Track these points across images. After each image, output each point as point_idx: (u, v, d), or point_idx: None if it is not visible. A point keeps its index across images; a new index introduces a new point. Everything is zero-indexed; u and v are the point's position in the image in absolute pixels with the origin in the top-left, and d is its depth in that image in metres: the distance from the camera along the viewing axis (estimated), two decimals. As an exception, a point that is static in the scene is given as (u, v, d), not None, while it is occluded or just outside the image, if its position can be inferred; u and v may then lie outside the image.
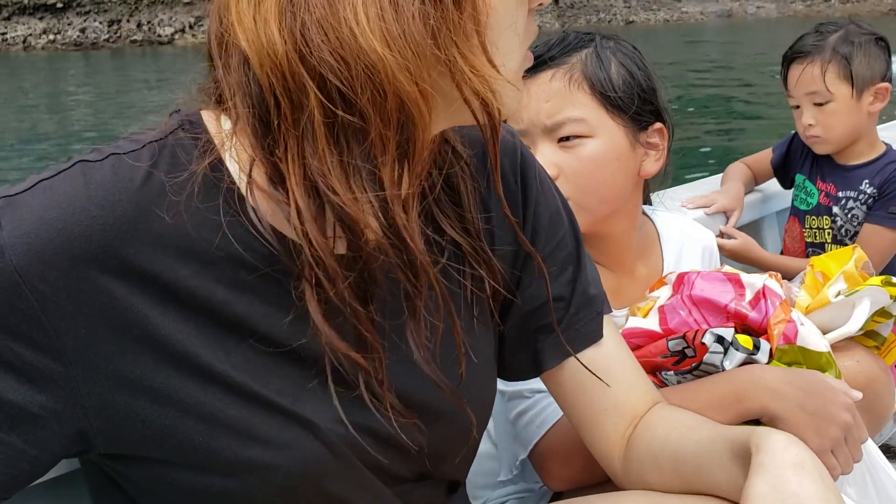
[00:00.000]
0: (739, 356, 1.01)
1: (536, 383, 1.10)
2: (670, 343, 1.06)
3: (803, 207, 2.14)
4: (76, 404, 0.68)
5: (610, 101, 1.20)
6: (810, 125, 2.02)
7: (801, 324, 1.06)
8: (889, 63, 1.99)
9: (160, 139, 0.71)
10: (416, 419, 0.75)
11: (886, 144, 2.09)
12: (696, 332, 1.02)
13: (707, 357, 1.01)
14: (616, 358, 0.91)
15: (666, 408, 0.91)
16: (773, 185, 2.32)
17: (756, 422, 0.98)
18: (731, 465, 0.76)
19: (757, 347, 1.02)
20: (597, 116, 1.20)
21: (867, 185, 2.02)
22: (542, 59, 1.21)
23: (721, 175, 2.33)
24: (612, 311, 0.95)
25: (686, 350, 1.04)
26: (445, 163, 0.79)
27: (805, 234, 2.14)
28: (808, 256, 2.09)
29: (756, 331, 1.06)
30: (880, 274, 1.32)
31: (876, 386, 1.17)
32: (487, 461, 1.35)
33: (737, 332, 1.04)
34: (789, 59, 2.03)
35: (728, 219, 2.13)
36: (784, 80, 2.05)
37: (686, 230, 1.41)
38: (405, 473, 0.81)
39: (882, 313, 1.19)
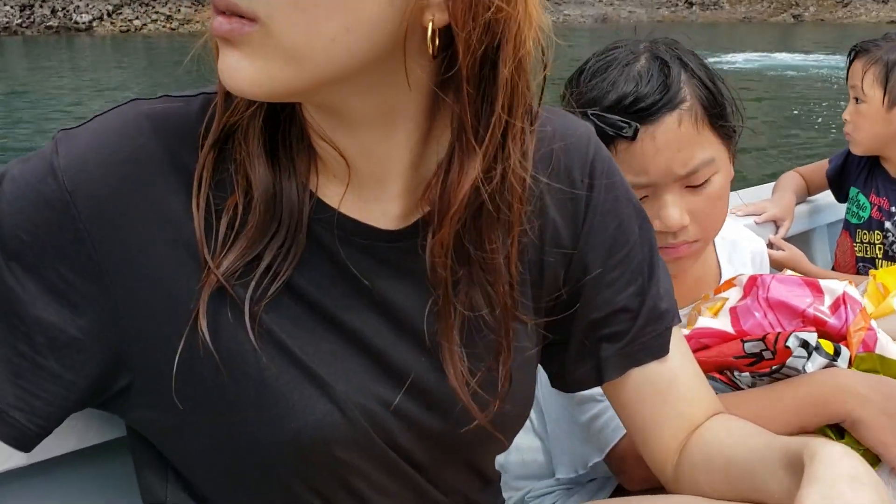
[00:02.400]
0: (821, 361, 1.01)
1: None
2: (747, 345, 1.06)
3: (855, 221, 2.13)
4: (114, 325, 0.70)
5: (723, 129, 1.14)
6: (846, 120, 2.04)
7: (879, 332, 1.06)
8: None
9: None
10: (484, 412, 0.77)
11: None
12: (779, 335, 1.01)
13: (790, 361, 1.00)
14: (681, 370, 0.90)
15: (724, 417, 0.90)
16: (825, 196, 2.30)
17: (836, 426, 0.98)
18: (783, 475, 0.75)
19: (837, 353, 1.02)
20: (719, 150, 1.14)
21: None
22: (664, 103, 1.09)
23: (773, 183, 2.31)
24: (680, 322, 0.92)
25: (764, 352, 1.04)
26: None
27: (856, 249, 2.13)
28: (858, 272, 2.08)
29: (834, 337, 1.06)
30: None
31: None
32: (530, 453, 1.36)
33: (818, 337, 1.03)
34: (854, 51, 2.03)
35: (777, 228, 2.12)
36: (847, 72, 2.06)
37: (736, 235, 1.41)
38: (429, 460, 0.81)
39: None
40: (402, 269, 0.76)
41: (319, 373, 0.73)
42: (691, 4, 33.87)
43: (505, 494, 1.32)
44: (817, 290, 1.10)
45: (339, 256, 0.74)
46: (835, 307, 1.07)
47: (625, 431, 1.11)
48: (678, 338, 0.90)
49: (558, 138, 0.83)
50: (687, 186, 1.14)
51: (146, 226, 0.70)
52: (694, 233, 1.15)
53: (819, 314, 1.06)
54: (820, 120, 11.64)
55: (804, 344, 1.00)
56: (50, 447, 0.83)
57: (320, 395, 0.73)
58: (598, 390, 1.11)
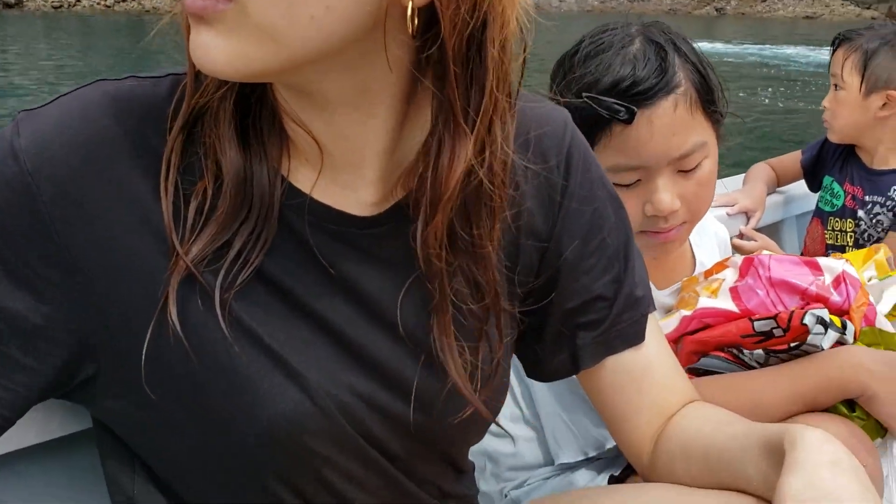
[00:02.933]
0: (834, 336, 1.04)
1: None
2: (757, 323, 1.09)
3: (828, 209, 2.19)
4: (80, 312, 0.68)
5: (714, 115, 1.15)
6: (825, 107, 2.10)
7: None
8: None
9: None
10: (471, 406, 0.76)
11: None
12: (792, 313, 1.05)
13: (811, 338, 1.03)
14: (656, 358, 0.89)
15: (700, 404, 0.91)
16: (795, 187, 2.37)
17: (848, 401, 1.02)
18: (763, 462, 0.75)
19: (844, 327, 1.06)
20: (710, 135, 1.15)
21: (895, 192, 2.07)
22: (660, 87, 1.09)
23: (744, 175, 2.37)
24: (655, 309, 0.92)
25: (774, 330, 1.07)
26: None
27: (827, 236, 2.19)
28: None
29: (836, 313, 1.10)
30: None
31: None
32: (523, 443, 1.37)
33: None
34: (837, 40, 2.09)
35: (749, 219, 2.18)
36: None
37: (704, 221, 1.41)
38: (403, 451, 0.80)
39: None
40: (376, 256, 0.75)
41: (291, 361, 0.71)
42: None
43: (498, 485, 1.33)
44: (817, 269, 1.14)
45: (310, 243, 0.72)
46: (836, 284, 1.11)
47: None
48: (653, 325, 0.90)
49: (535, 124, 0.82)
50: (679, 171, 1.14)
51: (112, 209, 0.68)
52: (682, 216, 1.16)
53: (822, 291, 1.10)
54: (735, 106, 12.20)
55: (821, 321, 1.03)
56: (13, 439, 0.82)
57: (291, 384, 0.71)
58: None
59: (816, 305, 1.08)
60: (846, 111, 2.06)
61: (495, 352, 0.78)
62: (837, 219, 2.17)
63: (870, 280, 1.23)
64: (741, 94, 13.11)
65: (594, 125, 1.10)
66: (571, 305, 0.86)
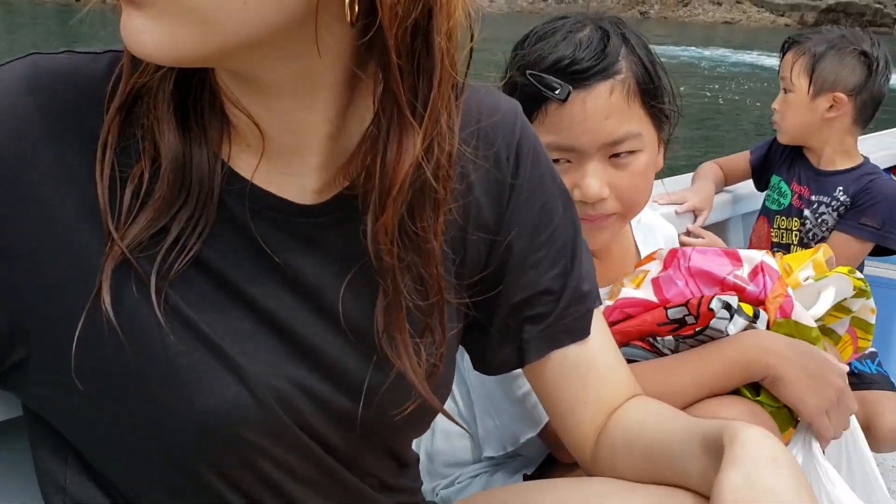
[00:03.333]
0: (742, 323, 1.04)
1: None
2: (670, 311, 1.08)
3: (774, 207, 2.19)
4: (10, 293, 0.66)
5: (655, 110, 1.15)
6: (775, 109, 2.12)
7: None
8: (866, 80, 2.01)
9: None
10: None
11: (864, 156, 2.14)
12: (701, 299, 1.04)
13: (714, 322, 1.03)
14: (600, 353, 0.89)
15: (642, 399, 0.91)
16: (741, 187, 2.37)
17: (752, 385, 1.01)
18: (703, 457, 0.75)
19: (756, 316, 1.05)
20: (648, 128, 1.15)
21: (841, 193, 2.08)
22: (598, 70, 1.10)
23: (692, 173, 2.37)
24: (601, 303, 0.92)
25: (686, 317, 1.06)
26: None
27: (772, 235, 2.20)
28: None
29: (753, 303, 1.09)
30: None
31: None
32: (459, 440, 1.35)
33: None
34: (786, 44, 2.11)
35: (696, 217, 2.18)
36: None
37: (651, 220, 1.45)
38: (344, 444, 0.78)
39: (840, 308, 1.23)
40: (318, 245, 0.73)
41: (228, 351, 0.69)
42: None
43: (433, 483, 1.32)
44: (736, 259, 1.13)
45: (250, 230, 0.70)
46: (753, 274, 1.10)
47: None
48: (598, 320, 0.90)
49: (485, 114, 0.81)
50: (610, 158, 1.14)
51: (47, 190, 0.65)
52: (612, 207, 1.15)
53: (738, 281, 1.09)
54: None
55: (726, 306, 1.03)
56: None
57: (228, 374, 0.69)
58: None
59: (730, 293, 1.06)
60: (794, 113, 2.08)
61: (438, 345, 0.76)
62: (784, 217, 2.17)
63: (806, 280, 1.22)
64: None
65: (532, 102, 1.11)
66: (518, 299, 0.85)
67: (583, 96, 1.10)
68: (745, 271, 1.11)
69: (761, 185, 2.29)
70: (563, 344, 0.86)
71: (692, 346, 1.08)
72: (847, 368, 1.06)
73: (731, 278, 1.10)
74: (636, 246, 1.39)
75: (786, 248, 2.15)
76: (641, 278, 1.20)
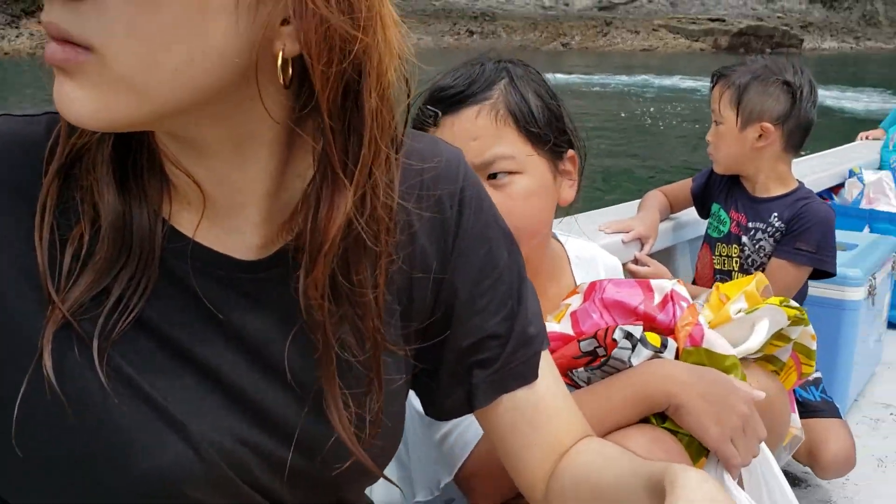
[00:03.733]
0: (647, 353, 1.04)
1: None
2: (582, 343, 1.09)
3: (715, 235, 2.22)
4: None
5: (533, 135, 1.19)
6: (708, 141, 2.16)
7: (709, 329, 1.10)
8: (791, 108, 2.04)
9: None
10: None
11: (799, 181, 2.18)
12: (607, 329, 1.04)
13: (615, 352, 1.03)
14: (549, 395, 0.88)
15: (592, 440, 0.90)
16: (686, 214, 2.40)
17: (660, 413, 1.01)
18: (647, 500, 0.74)
19: (664, 346, 1.06)
20: (524, 152, 1.19)
21: (776, 219, 2.10)
22: (465, 95, 1.17)
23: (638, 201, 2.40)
24: (549, 345, 0.92)
25: (598, 349, 1.07)
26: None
27: (714, 262, 2.22)
28: (714, 283, 2.16)
29: (664, 332, 1.10)
30: None
31: (774, 405, 1.21)
32: (401, 483, 1.35)
33: (645, 331, 1.07)
34: (714, 77, 2.15)
35: (643, 246, 2.20)
36: None
37: (591, 252, 1.46)
38: (294, 498, 0.77)
39: (780, 337, 1.23)
40: (262, 301, 0.73)
41: (172, 410, 0.68)
42: (472, 33, 38.28)
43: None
44: (648, 289, 1.14)
45: (194, 288, 0.70)
46: (663, 304, 1.11)
47: (471, 450, 1.12)
48: (547, 361, 0.89)
49: (428, 164, 0.81)
50: (489, 179, 1.18)
51: None
52: None
53: (649, 310, 1.10)
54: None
55: (628, 335, 1.03)
56: None
57: (173, 434, 0.68)
58: None
59: (639, 323, 1.07)
60: (726, 144, 2.12)
61: (377, 398, 0.76)
62: (724, 244, 2.20)
63: (738, 313, 1.22)
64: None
65: (419, 129, 1.19)
66: (465, 344, 0.85)
67: (451, 119, 1.18)
68: (656, 300, 1.12)
69: (703, 212, 2.32)
70: (511, 388, 0.86)
71: (602, 378, 1.08)
72: (762, 395, 1.07)
73: (642, 307, 1.11)
74: (575, 282, 1.39)
75: (728, 275, 2.17)
76: (563, 312, 1.21)
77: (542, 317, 0.90)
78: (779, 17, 41.99)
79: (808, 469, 2.15)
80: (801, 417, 2.06)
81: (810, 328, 1.22)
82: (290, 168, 0.70)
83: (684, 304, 1.11)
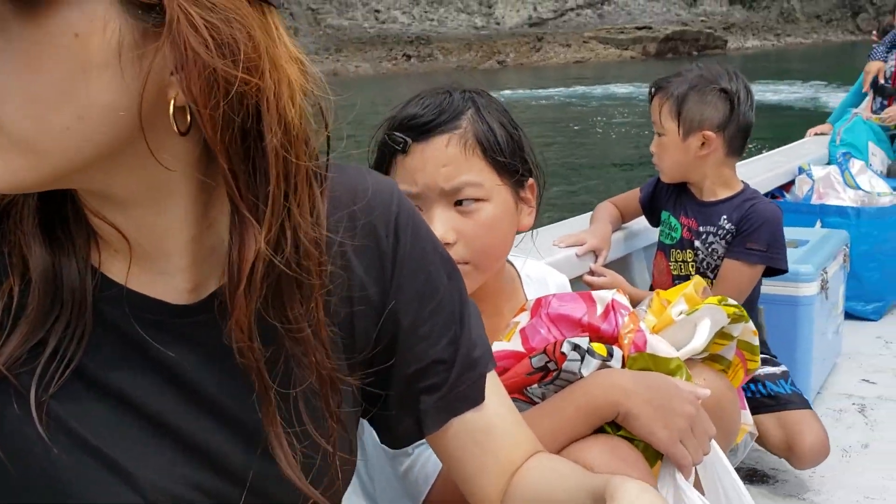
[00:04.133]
0: (595, 362, 1.06)
1: None
2: (533, 360, 1.11)
3: (668, 242, 2.26)
4: None
5: (500, 165, 1.23)
6: (653, 152, 2.20)
7: (652, 334, 1.12)
8: (730, 114, 2.09)
9: None
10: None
11: (744, 183, 2.23)
12: (555, 343, 1.06)
13: (566, 365, 1.05)
14: (497, 416, 0.89)
15: (542, 457, 0.91)
16: (639, 222, 2.44)
17: (616, 424, 1.03)
18: None
19: (611, 354, 1.08)
20: (490, 180, 1.23)
21: (725, 221, 2.15)
22: (435, 124, 1.21)
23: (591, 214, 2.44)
24: (496, 366, 0.94)
25: (549, 364, 1.09)
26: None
27: (671, 268, 2.25)
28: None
29: (609, 341, 1.12)
30: None
31: (723, 403, 1.24)
32: None
33: (591, 342, 1.09)
34: (652, 89, 2.19)
35: (597, 258, 2.23)
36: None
37: (541, 272, 1.49)
38: None
39: (723, 336, 1.26)
40: (199, 344, 0.73)
41: (117, 460, 0.68)
42: (409, 57, 38.87)
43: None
44: (590, 301, 1.16)
45: (130, 334, 0.70)
46: (605, 314, 1.13)
47: (432, 482, 1.13)
48: (494, 382, 0.90)
49: (360, 195, 0.82)
50: (456, 206, 1.22)
51: None
52: (462, 254, 1.21)
53: (593, 321, 1.12)
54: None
55: (575, 347, 1.05)
56: None
57: (119, 483, 0.68)
58: None
59: (584, 335, 1.10)
60: (669, 154, 2.16)
61: (332, 434, 0.75)
62: (678, 250, 2.24)
63: (680, 315, 1.25)
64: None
65: (387, 156, 1.25)
66: (411, 371, 0.85)
67: (422, 147, 1.22)
68: (598, 311, 1.14)
69: (653, 221, 2.36)
70: (459, 412, 0.86)
71: (556, 392, 1.10)
72: (707, 392, 1.09)
73: (586, 319, 1.13)
74: (526, 299, 1.42)
75: (686, 280, 2.19)
76: (513, 331, 1.22)
77: (486, 338, 0.91)
78: (702, 21, 43.59)
79: (776, 466, 2.19)
80: (773, 411, 2.11)
81: (751, 324, 1.25)
82: (211, 213, 0.71)
83: (625, 313, 1.14)
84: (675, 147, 2.12)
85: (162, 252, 0.71)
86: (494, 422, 0.89)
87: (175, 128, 0.62)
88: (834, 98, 18.10)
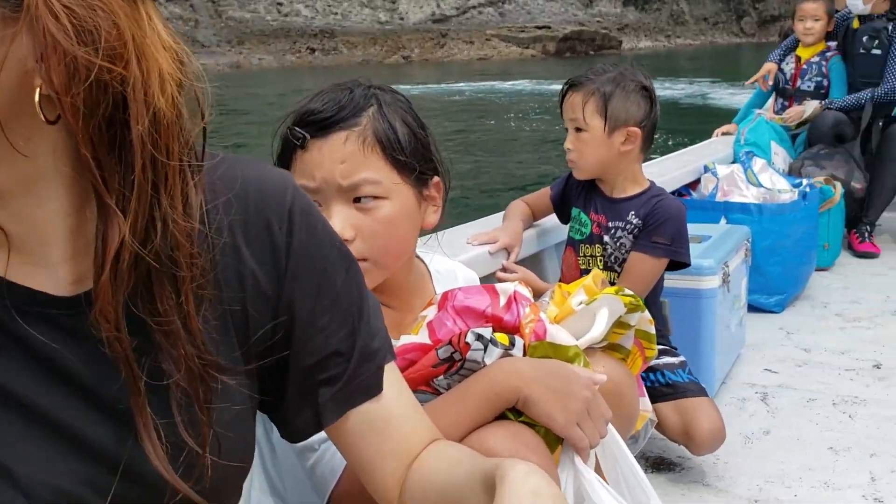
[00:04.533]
0: (498, 352, 1.09)
1: (323, 433, 1.12)
2: (439, 351, 1.13)
3: (578, 237, 2.32)
4: None
5: (400, 163, 1.24)
6: (569, 149, 2.23)
7: (551, 323, 1.16)
8: (650, 112, 2.17)
9: None
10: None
11: (650, 181, 2.30)
12: (460, 334, 1.09)
13: (470, 355, 1.08)
14: (396, 405, 0.90)
15: (440, 444, 0.93)
16: (550, 220, 2.50)
17: (517, 411, 1.07)
18: (485, 498, 0.77)
19: (512, 344, 1.12)
20: (390, 178, 1.23)
21: (633, 217, 2.21)
22: (334, 121, 1.22)
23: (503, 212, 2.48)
24: (395, 358, 0.95)
25: (454, 354, 1.11)
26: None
27: (580, 263, 2.31)
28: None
29: (511, 331, 1.16)
30: (644, 301, 1.47)
31: (622, 389, 1.29)
32: None
33: (494, 332, 1.12)
34: (567, 87, 2.21)
35: (509, 255, 2.28)
36: (560, 105, 2.24)
37: (450, 267, 1.51)
38: None
39: (620, 325, 1.31)
40: (81, 336, 0.71)
41: None
42: (313, 50, 38.93)
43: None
44: (494, 293, 1.19)
45: (11, 327, 0.69)
46: (508, 305, 1.17)
47: (338, 476, 1.14)
48: (393, 373, 0.91)
49: (253, 187, 0.82)
50: (354, 203, 1.23)
51: None
52: (361, 250, 1.22)
53: (496, 312, 1.15)
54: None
55: (479, 337, 1.08)
56: None
57: None
58: (314, 438, 1.14)
59: (488, 325, 1.12)
60: (592, 150, 2.19)
61: (204, 427, 0.75)
62: (587, 245, 2.30)
63: (579, 305, 1.30)
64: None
65: (288, 151, 1.26)
66: (309, 363, 0.85)
67: (320, 143, 1.23)
68: (501, 303, 1.17)
69: (564, 218, 2.42)
70: (357, 403, 0.88)
71: (460, 382, 1.13)
72: (604, 377, 1.13)
73: (490, 310, 1.16)
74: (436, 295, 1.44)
75: (594, 274, 2.26)
76: (420, 324, 1.25)
77: (385, 331, 0.92)
78: (598, 22, 45.16)
79: (681, 454, 2.27)
80: (671, 399, 2.19)
81: (647, 314, 1.31)
82: (89, 203, 0.70)
83: (526, 304, 1.17)
84: (600, 143, 2.16)
85: (43, 243, 0.71)
86: (392, 412, 0.90)
87: (42, 116, 0.61)
88: (719, 95, 19.06)
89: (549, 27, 41.75)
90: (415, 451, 0.90)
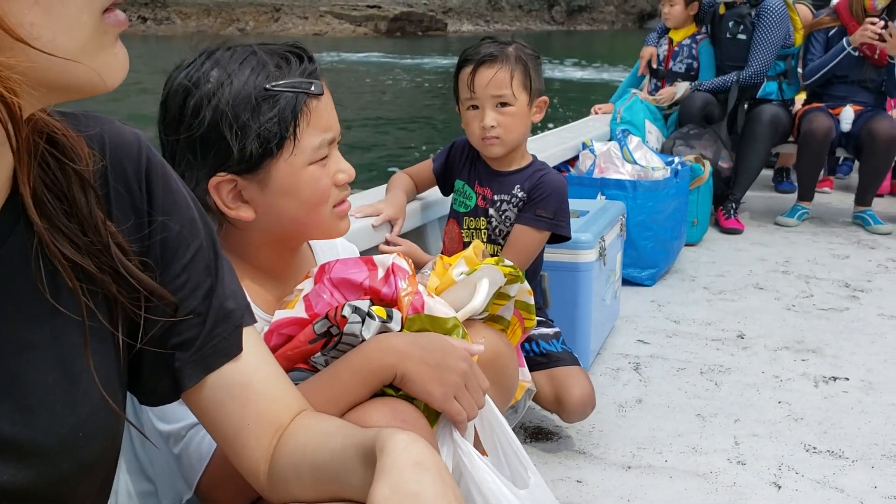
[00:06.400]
0: (376, 325, 1.07)
1: (191, 419, 1.07)
2: (316, 326, 1.10)
3: (462, 210, 2.32)
4: None
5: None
6: (492, 126, 2.15)
7: (430, 296, 1.15)
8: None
9: None
10: None
11: (533, 155, 2.32)
12: (337, 308, 1.06)
13: (347, 328, 1.06)
14: (257, 370, 0.88)
15: (309, 416, 0.91)
16: (433, 193, 2.49)
17: (395, 386, 1.05)
18: (362, 470, 0.77)
19: (390, 317, 1.09)
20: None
21: (518, 190, 2.23)
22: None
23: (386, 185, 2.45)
24: (255, 322, 0.92)
25: (332, 329, 1.08)
26: (50, 168, 0.73)
27: (463, 235, 2.32)
28: None
29: (389, 303, 1.14)
30: (525, 275, 1.48)
31: (502, 360, 1.30)
32: (147, 498, 1.30)
33: (372, 304, 1.10)
34: (477, 62, 2.13)
35: (392, 227, 2.26)
36: (461, 83, 2.17)
37: (333, 242, 1.49)
38: None
39: (501, 296, 1.32)
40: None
41: None
42: (145, 20, 39.12)
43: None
44: (372, 265, 1.17)
45: None
46: (386, 277, 1.14)
47: (205, 465, 1.11)
48: (254, 338, 0.89)
49: (110, 145, 0.80)
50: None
51: None
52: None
53: (374, 284, 1.13)
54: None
55: (356, 310, 1.05)
56: None
57: None
58: (181, 424, 1.10)
59: (366, 298, 1.10)
60: (518, 124, 2.17)
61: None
62: (472, 218, 2.30)
63: (460, 275, 1.29)
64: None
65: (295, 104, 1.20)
66: (165, 324, 0.83)
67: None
68: (379, 275, 1.15)
69: (446, 190, 2.41)
70: (216, 366, 0.86)
71: (336, 358, 1.10)
72: (481, 348, 1.13)
73: (367, 282, 1.14)
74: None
75: (475, 247, 2.27)
76: (297, 298, 1.21)
77: (242, 293, 0.90)
78: (425, 4, 47.01)
79: (559, 423, 2.32)
80: (545, 368, 2.23)
81: (526, 285, 1.31)
82: None
83: (404, 276, 1.15)
84: (524, 116, 2.16)
85: None
86: (253, 377, 0.88)
87: None
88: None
89: (380, 7, 43.28)
90: (281, 421, 0.89)
